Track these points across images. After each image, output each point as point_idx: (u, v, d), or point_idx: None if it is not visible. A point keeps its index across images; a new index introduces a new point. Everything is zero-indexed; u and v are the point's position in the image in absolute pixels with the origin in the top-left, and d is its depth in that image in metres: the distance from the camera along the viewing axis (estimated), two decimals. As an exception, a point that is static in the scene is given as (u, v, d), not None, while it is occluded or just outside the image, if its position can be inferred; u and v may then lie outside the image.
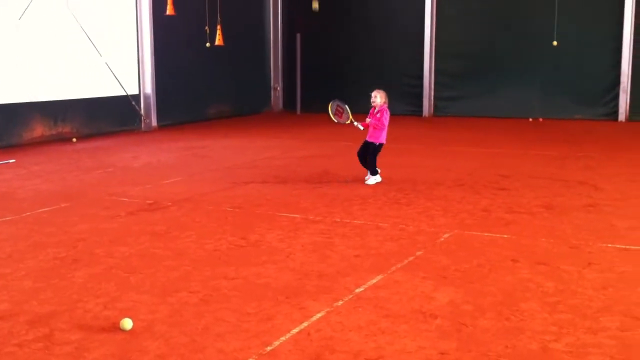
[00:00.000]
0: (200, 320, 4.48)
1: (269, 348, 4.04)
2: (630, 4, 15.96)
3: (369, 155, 9.10)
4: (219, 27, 13.54)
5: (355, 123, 9.27)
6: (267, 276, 5.35)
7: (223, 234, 6.63)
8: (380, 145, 9.13)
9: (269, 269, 5.55)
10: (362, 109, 19.18)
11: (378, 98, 9.06)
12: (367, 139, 9.17)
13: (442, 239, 6.39)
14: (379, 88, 9.23)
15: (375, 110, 9.10)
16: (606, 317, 4.44)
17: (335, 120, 9.53)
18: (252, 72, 19.94)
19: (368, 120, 9.15)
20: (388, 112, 9.09)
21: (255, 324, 4.40)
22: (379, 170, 9.14)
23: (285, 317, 4.49)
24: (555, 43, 15.21)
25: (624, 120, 16.36)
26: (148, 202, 8.18)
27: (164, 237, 6.57)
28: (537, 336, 4.16)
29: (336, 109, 9.54)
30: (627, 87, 16.33)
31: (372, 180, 9.09)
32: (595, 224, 6.87)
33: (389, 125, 9.14)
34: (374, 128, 9.07)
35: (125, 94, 15.48)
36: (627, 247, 6.02)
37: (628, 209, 7.48)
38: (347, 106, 9.37)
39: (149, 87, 16.06)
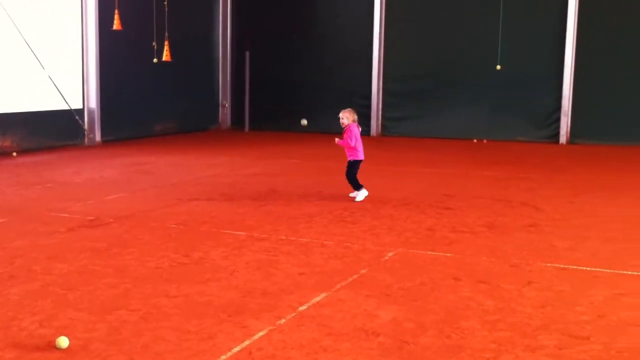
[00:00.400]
0: (139, 339, 4.38)
1: (209, 367, 3.98)
2: (572, 29, 16.47)
3: (346, 173, 9.26)
4: (166, 42, 13.43)
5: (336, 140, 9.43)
6: (209, 294, 5.28)
7: (166, 252, 6.52)
8: (356, 161, 9.25)
9: (212, 286, 5.47)
10: (309, 127, 19.29)
11: (345, 119, 9.26)
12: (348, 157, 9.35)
13: (387, 257, 6.42)
14: (344, 108, 9.52)
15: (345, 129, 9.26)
16: (544, 335, 4.52)
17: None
18: (200, 89, 19.81)
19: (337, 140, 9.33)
20: (352, 130, 9.20)
21: (196, 342, 4.33)
22: (362, 185, 9.25)
23: (227, 336, 4.43)
24: (498, 67, 15.57)
25: (564, 142, 16.80)
26: (89, 218, 8.00)
27: (104, 254, 6.43)
28: (477, 354, 4.20)
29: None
30: (568, 110, 16.79)
31: (359, 195, 9.19)
32: (535, 243, 7.01)
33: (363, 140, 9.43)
34: (344, 147, 9.26)
35: (68, 108, 15.19)
36: (566, 266, 6.16)
37: (567, 229, 7.65)
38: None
39: (93, 102, 15.79)
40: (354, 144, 9.17)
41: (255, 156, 14.15)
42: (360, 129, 9.39)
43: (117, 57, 16.18)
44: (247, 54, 19.45)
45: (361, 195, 9.18)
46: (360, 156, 9.28)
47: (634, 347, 4.33)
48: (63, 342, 4.20)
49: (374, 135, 18.57)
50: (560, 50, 16.66)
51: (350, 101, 18.35)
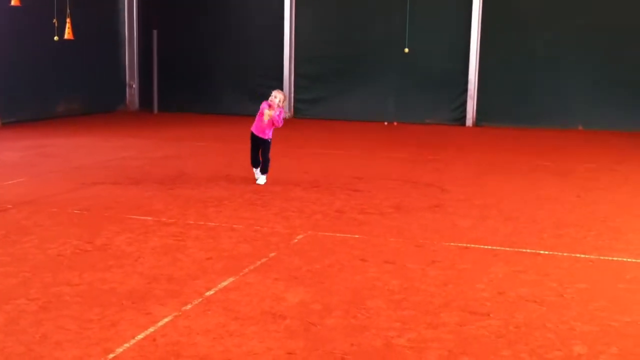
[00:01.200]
0: (38, 329, 4.23)
1: (111, 355, 3.88)
2: (477, 15, 16.91)
3: (267, 153, 9.06)
4: (68, 20, 12.90)
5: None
6: (112, 281, 5.15)
7: (67, 238, 6.31)
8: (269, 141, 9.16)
9: (116, 273, 5.34)
10: (220, 109, 19.08)
11: (278, 100, 8.97)
12: (258, 134, 9.02)
13: (296, 240, 6.44)
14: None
15: (276, 110, 8.93)
16: (446, 312, 4.65)
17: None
18: (105, 69, 19.17)
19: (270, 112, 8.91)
20: (263, 109, 8.96)
21: (98, 331, 4.22)
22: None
23: (130, 323, 4.34)
24: (406, 50, 15.83)
25: (471, 125, 17.29)
26: (-14, 204, 7.65)
27: (2, 242, 6.16)
28: (382, 333, 4.28)
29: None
30: (474, 93, 17.28)
31: (264, 178, 9.13)
32: (439, 223, 7.19)
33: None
34: (273, 125, 9.00)
35: (-36, 88, 14.41)
36: (468, 245, 6.35)
37: (470, 209, 7.89)
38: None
39: (-9, 82, 15.04)
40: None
41: (163, 138, 13.87)
42: None
43: (17, 35, 15.45)
44: (155, 32, 18.96)
45: (265, 178, 9.15)
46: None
47: (531, 322, 4.52)
48: None
49: (285, 117, 18.51)
50: (466, 34, 17.09)
51: (262, 83, 18.30)
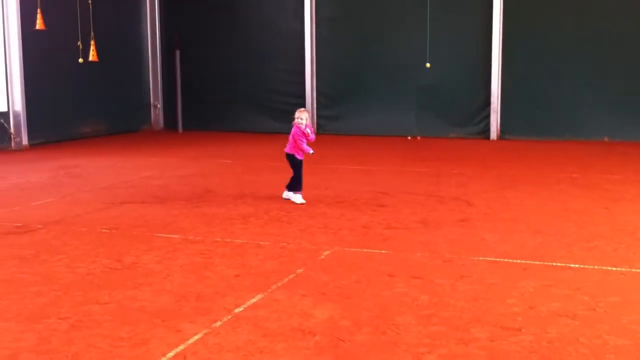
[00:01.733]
0: (70, 348, 4.27)
1: (142, 374, 3.90)
2: (498, 28, 16.87)
3: (300, 172, 9.08)
4: (92, 42, 13.10)
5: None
6: (142, 299, 5.18)
7: (97, 257, 6.37)
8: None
9: (145, 291, 5.37)
10: (243, 127, 19.18)
11: (304, 119, 9.05)
12: (291, 151, 9.13)
13: (323, 256, 6.43)
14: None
15: (304, 128, 9.05)
16: (477, 327, 4.61)
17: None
18: (129, 89, 19.41)
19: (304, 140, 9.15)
20: (297, 128, 9.12)
21: (129, 349, 4.24)
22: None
23: (161, 341, 4.35)
24: (428, 65, 15.81)
25: (495, 138, 17.20)
26: (16, 224, 7.74)
27: (32, 261, 6.23)
28: (412, 349, 4.25)
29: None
30: (497, 107, 17.20)
31: (299, 197, 9.05)
32: (467, 238, 7.14)
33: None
34: (303, 142, 9.11)
35: (-8, 111, 14.66)
36: (496, 259, 6.30)
37: (497, 223, 7.83)
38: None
39: (18, 104, 15.26)
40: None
41: (188, 157, 13.96)
42: None
43: (42, 57, 15.72)
44: (177, 52, 19.16)
45: (299, 197, 9.10)
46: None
47: (564, 337, 4.46)
48: None
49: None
50: (488, 47, 17.04)
51: (284, 101, 18.37)
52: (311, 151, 9.15)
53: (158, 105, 20.31)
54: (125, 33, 19.22)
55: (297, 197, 9.04)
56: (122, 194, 9.72)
